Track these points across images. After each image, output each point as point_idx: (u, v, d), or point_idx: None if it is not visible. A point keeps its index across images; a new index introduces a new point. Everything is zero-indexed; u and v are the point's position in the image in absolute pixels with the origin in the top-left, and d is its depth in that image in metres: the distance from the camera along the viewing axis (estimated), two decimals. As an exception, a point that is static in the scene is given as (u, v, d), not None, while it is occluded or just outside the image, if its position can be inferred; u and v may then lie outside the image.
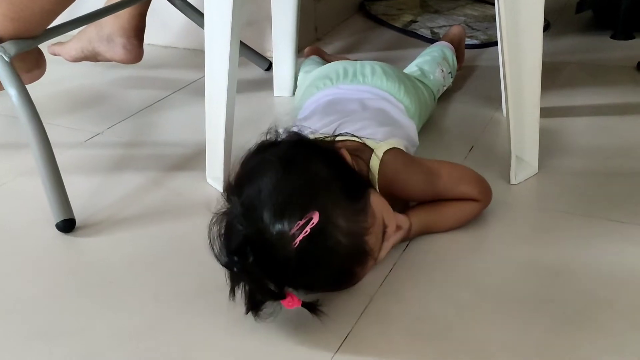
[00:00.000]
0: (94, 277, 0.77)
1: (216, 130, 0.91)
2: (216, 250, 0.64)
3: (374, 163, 0.76)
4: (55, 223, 0.84)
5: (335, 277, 0.66)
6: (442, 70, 1.11)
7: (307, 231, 0.60)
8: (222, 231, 0.65)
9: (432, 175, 0.78)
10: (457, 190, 0.79)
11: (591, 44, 1.38)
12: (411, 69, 1.11)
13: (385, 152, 0.76)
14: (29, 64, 0.98)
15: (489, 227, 0.81)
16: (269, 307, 0.64)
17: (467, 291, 0.71)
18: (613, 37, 1.40)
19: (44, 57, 1.02)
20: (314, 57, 1.23)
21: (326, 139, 0.74)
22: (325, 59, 1.24)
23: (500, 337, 0.65)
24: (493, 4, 0.80)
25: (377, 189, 0.75)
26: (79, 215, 0.86)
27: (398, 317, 0.68)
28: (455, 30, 1.24)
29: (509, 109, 0.87)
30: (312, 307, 0.63)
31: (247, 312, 0.64)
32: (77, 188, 0.92)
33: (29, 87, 0.91)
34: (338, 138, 0.74)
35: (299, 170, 0.65)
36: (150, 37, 1.40)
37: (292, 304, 0.61)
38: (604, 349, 0.62)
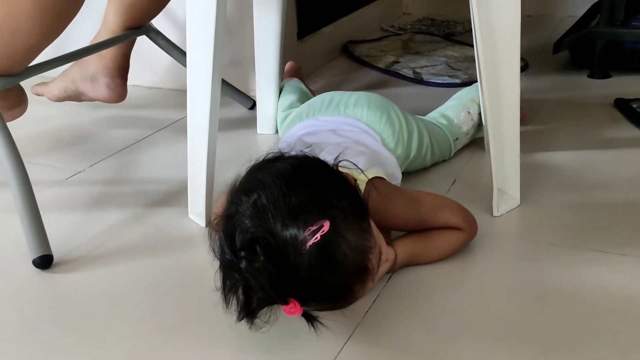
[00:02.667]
0: (71, 313, 0.75)
1: (198, 165, 0.91)
2: (217, 250, 0.63)
3: (359, 190, 0.75)
4: (32, 259, 0.82)
5: (335, 292, 0.64)
6: (469, 112, 1.06)
7: (317, 238, 0.59)
8: (226, 232, 0.63)
9: (415, 202, 0.78)
10: (440, 218, 0.78)
11: (569, 83, 1.41)
12: (433, 115, 1.07)
13: (368, 181, 0.76)
14: (10, 102, 0.98)
15: (473, 257, 0.81)
16: (262, 316, 0.62)
17: (452, 322, 0.70)
18: (590, 76, 1.43)
19: (25, 95, 1.02)
20: (294, 83, 1.24)
21: None
22: (305, 82, 1.24)
23: (486, 367, 0.64)
24: (472, 46, 0.81)
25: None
26: (57, 252, 0.84)
27: (381, 348, 0.67)
28: None
29: (490, 142, 0.88)
30: (311, 318, 0.61)
31: (240, 319, 0.62)
32: (56, 225, 0.91)
33: (10, 125, 0.90)
34: None
35: (313, 179, 0.65)
36: (135, 78, 1.42)
37: (294, 310, 0.60)
38: (590, 377, 0.62)
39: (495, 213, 0.89)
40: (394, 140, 0.94)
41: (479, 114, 1.08)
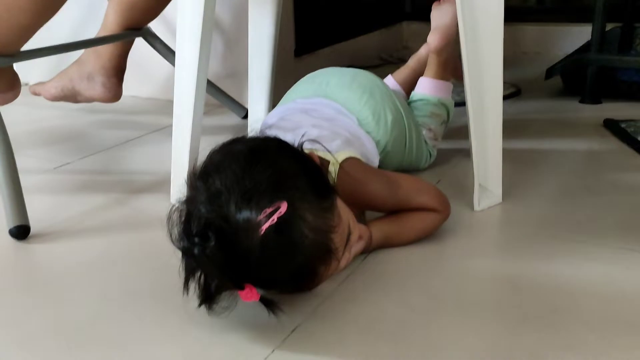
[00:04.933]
0: (39, 278, 0.75)
1: (182, 146, 0.92)
2: (174, 236, 0.61)
3: (332, 173, 0.74)
4: (8, 229, 0.82)
5: (297, 274, 0.62)
6: (430, 129, 1.04)
7: (274, 219, 0.57)
8: (183, 217, 0.62)
9: (392, 184, 0.77)
10: (417, 200, 0.78)
11: (561, 107, 1.43)
12: None
13: (343, 161, 0.76)
14: (2, 85, 0.99)
15: (450, 242, 0.80)
16: (223, 301, 0.61)
17: (424, 296, 0.69)
18: (581, 101, 1.44)
19: (19, 80, 1.03)
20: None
21: None
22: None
23: (455, 336, 0.62)
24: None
25: (337, 198, 0.73)
26: (34, 226, 0.84)
27: (351, 316, 0.65)
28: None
29: (472, 137, 0.88)
30: (269, 303, 0.60)
31: (200, 305, 0.61)
32: (38, 205, 0.91)
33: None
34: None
35: (269, 160, 0.63)
36: (133, 89, 1.45)
37: (250, 296, 0.58)
38: (561, 347, 0.60)
39: (476, 207, 0.89)
40: (374, 119, 0.91)
41: (442, 122, 1.06)
